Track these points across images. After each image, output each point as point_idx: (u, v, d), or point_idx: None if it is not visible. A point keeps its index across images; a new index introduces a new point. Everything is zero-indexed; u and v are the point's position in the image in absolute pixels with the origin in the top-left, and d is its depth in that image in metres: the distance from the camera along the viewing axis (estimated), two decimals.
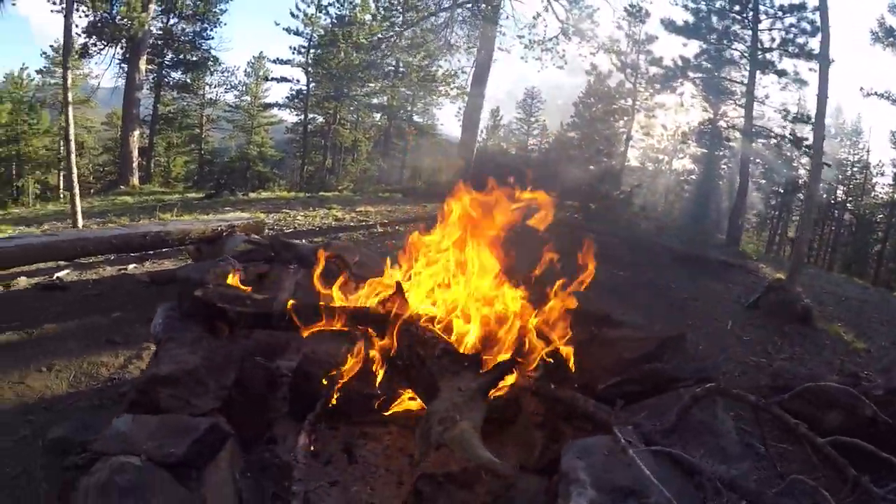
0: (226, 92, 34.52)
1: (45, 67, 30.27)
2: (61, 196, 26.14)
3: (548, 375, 3.75)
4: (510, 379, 3.49)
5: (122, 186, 23.18)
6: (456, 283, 4.18)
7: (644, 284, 8.45)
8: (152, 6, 24.57)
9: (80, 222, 11.06)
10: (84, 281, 7.71)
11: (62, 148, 30.53)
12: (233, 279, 4.24)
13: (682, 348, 4.56)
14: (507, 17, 13.44)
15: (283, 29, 27.98)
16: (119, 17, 22.98)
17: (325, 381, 3.48)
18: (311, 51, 27.32)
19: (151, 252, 8.38)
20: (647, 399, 3.61)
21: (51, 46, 29.33)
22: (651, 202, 25.47)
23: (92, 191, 26.17)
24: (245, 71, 32.76)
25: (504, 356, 3.60)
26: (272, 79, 32.19)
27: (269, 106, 34.34)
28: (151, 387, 3.08)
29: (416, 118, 34.53)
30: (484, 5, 13.37)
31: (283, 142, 35.79)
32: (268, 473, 3.07)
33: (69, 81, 10.77)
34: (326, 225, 12.17)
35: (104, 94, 27.96)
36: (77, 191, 10.92)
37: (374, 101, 31.08)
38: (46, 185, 30.68)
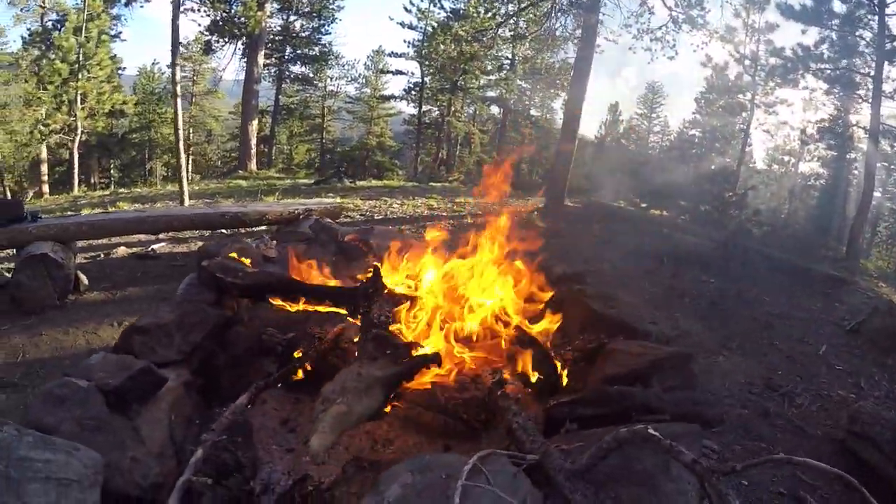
0: (346, 84, 35.86)
1: (176, 62, 32.36)
2: (189, 178, 28.41)
3: (537, 386, 3.51)
4: (429, 376, 3.29)
5: (240, 171, 25.05)
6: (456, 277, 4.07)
7: (730, 295, 7.69)
8: (268, 5, 26.15)
9: (187, 202, 11.92)
10: (174, 253, 8.38)
11: (192, 135, 33.44)
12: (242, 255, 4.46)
13: (687, 372, 3.88)
14: (606, 4, 12.65)
15: (398, 23, 28.51)
16: (237, 17, 24.64)
17: (298, 354, 3.56)
18: (425, 44, 27.59)
19: (244, 231, 8.89)
20: (612, 425, 2.97)
21: (181, 42, 31.47)
22: (772, 207, 23.56)
23: (215, 174, 28.22)
24: (365, 64, 33.83)
25: (425, 351, 3.43)
26: (388, 71, 32.96)
27: (387, 98, 35.16)
28: (129, 334, 3.65)
29: (533, 111, 34.02)
30: None
31: (401, 133, 36.65)
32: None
33: (177, 77, 11.74)
34: (418, 213, 12.29)
35: (231, 85, 29.90)
36: (185, 174, 11.77)
37: (490, 93, 30.87)
38: (173, 168, 33.42)
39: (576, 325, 4.55)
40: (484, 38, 16.15)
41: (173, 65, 11.47)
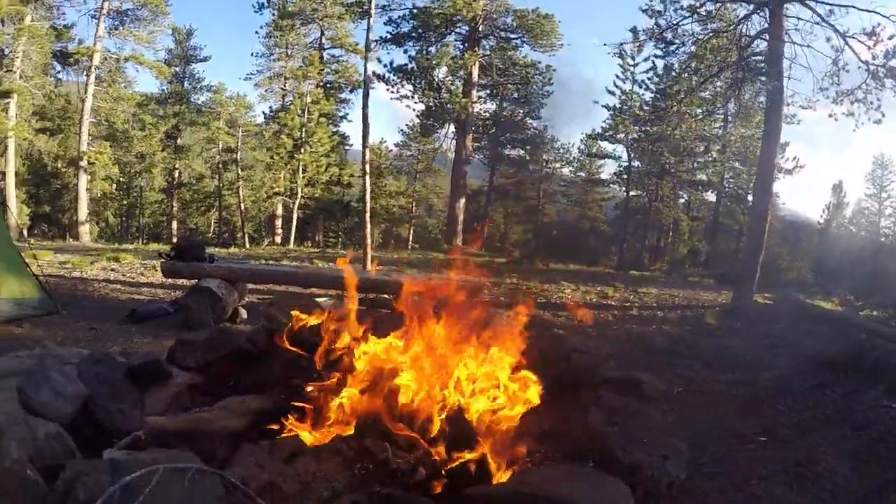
0: (562, 167, 36.51)
1: (401, 142, 35.67)
2: (409, 246, 31.42)
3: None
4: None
5: (445, 245, 26.71)
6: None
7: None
8: (474, 93, 27.98)
9: (369, 266, 13.17)
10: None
11: (414, 209, 36.79)
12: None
13: None
14: (791, 67, 11.40)
15: (602, 106, 28.71)
16: (446, 103, 26.95)
17: None
18: (631, 126, 27.52)
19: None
20: None
21: (406, 125, 34.69)
22: None
23: (431, 246, 30.51)
24: (578, 147, 34.47)
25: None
26: (598, 155, 33.05)
27: (600, 182, 35.31)
28: (175, 344, 4.49)
29: (750, 197, 31.42)
30: (760, 61, 11.80)
31: (613, 218, 36.36)
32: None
33: (367, 157, 12.92)
34: (585, 301, 11.89)
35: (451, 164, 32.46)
36: (369, 241, 12.94)
37: (701, 177, 29.48)
38: (396, 236, 36.78)
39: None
40: (670, 117, 15.61)
41: (364, 147, 12.88)
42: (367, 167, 12.80)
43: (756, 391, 6.06)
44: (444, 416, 3.41)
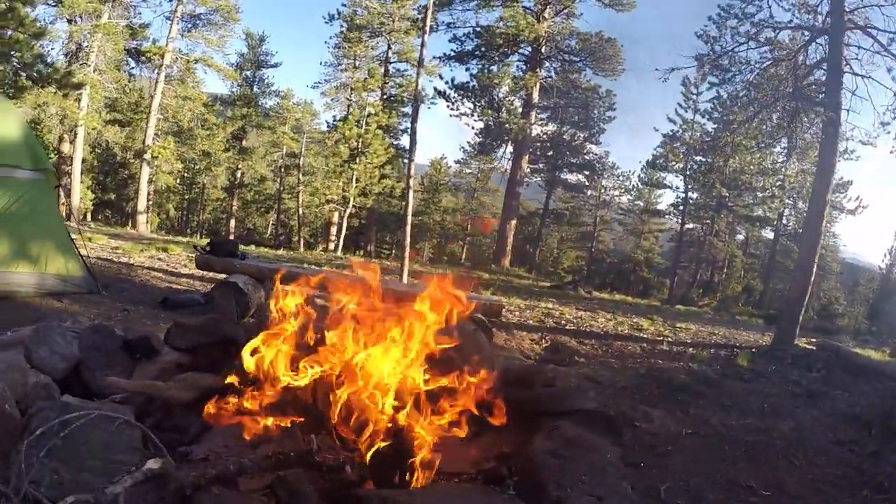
0: (620, 195, 36.24)
1: (462, 159, 36.68)
2: (462, 262, 31.70)
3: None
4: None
5: (493, 265, 26.77)
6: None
7: None
8: (533, 114, 28.18)
9: (405, 279, 13.27)
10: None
11: (469, 227, 37.01)
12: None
13: None
14: (852, 99, 10.89)
15: (664, 135, 28.50)
16: (504, 123, 27.12)
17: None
18: (690, 156, 27.03)
19: None
20: None
21: (468, 142, 35.37)
22: None
23: (482, 265, 30.57)
24: (638, 176, 34.08)
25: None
26: (654, 185, 32.58)
27: (657, 212, 34.77)
28: (172, 325, 4.67)
29: None
30: (817, 93, 11.27)
31: (668, 250, 35.69)
32: None
33: (412, 170, 12.96)
34: (616, 331, 11.52)
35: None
36: (407, 253, 12.95)
37: (759, 212, 28.62)
38: (449, 253, 37.13)
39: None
40: (723, 148, 15.17)
41: (409, 160, 12.91)
42: (412, 181, 12.90)
43: (772, 441, 5.70)
44: (384, 423, 3.41)
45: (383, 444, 3.29)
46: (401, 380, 3.60)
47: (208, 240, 10.80)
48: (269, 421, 3.46)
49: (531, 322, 10.84)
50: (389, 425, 3.38)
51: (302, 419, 3.55)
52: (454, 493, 3.16)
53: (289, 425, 3.47)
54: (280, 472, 2.94)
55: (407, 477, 3.26)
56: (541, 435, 3.52)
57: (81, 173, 26.21)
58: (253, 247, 22.12)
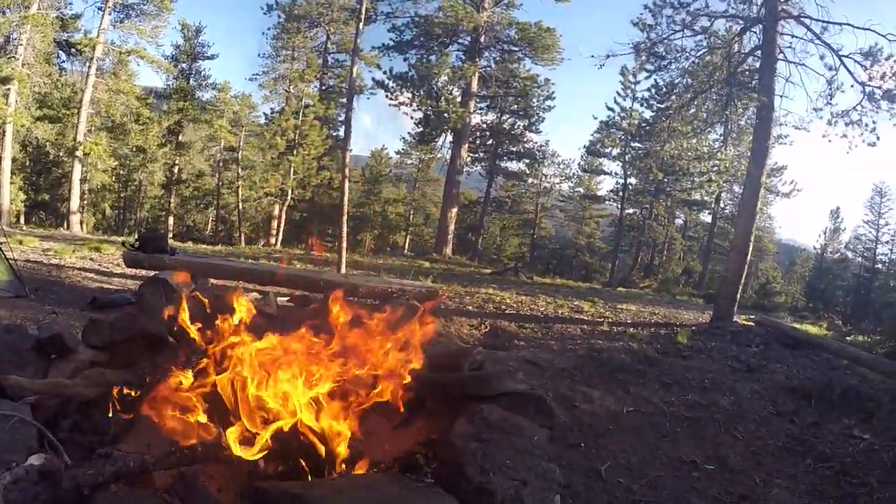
0: (561, 182, 36.74)
1: (402, 149, 36.04)
2: (405, 253, 31.59)
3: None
4: None
5: (434, 254, 26.72)
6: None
7: (882, 462, 5.14)
8: (472, 103, 28.20)
9: (343, 269, 13.16)
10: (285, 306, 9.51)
11: (412, 216, 37.01)
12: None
13: None
14: (786, 86, 11.17)
15: (601, 122, 28.90)
16: (443, 112, 27.02)
17: None
18: (628, 142, 27.67)
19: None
20: None
21: (409, 133, 34.73)
22: None
23: (424, 253, 30.65)
24: (578, 163, 34.62)
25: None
26: (593, 171, 33.18)
27: (597, 198, 35.44)
28: (87, 322, 4.66)
29: None
30: (750, 79, 11.59)
31: (609, 235, 36.48)
32: None
33: (347, 160, 12.85)
34: (556, 314, 11.73)
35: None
36: (344, 245, 12.88)
37: (697, 196, 29.56)
38: (391, 243, 37.01)
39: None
40: (659, 134, 15.45)
41: (344, 150, 12.91)
42: (347, 171, 12.84)
43: (713, 415, 5.86)
44: (290, 418, 3.35)
45: (292, 438, 3.26)
46: (312, 373, 3.55)
47: (136, 237, 10.52)
48: (188, 416, 3.38)
49: (471, 308, 10.84)
50: (297, 419, 3.32)
51: (215, 415, 3.46)
52: (361, 485, 3.05)
53: (203, 420, 3.37)
54: (183, 468, 2.87)
55: (326, 470, 3.21)
56: (462, 419, 3.41)
57: (11, 173, 25.05)
58: (191, 243, 21.55)
